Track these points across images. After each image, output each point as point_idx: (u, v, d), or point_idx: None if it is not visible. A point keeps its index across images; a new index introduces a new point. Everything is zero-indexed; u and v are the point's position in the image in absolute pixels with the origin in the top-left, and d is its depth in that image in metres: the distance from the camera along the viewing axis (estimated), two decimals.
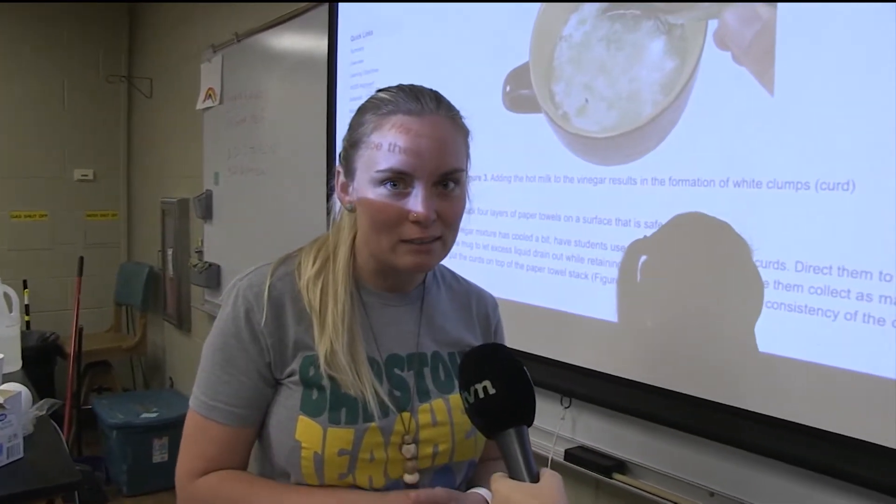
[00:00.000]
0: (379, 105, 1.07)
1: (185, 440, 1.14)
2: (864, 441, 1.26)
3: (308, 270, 1.12)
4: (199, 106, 4.04)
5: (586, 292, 1.74)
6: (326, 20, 2.74)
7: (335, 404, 1.07)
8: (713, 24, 1.47)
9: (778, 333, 1.38)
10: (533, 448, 1.84)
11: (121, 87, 5.35)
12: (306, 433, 1.06)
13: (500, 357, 1.01)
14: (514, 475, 0.93)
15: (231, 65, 3.77)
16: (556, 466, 1.80)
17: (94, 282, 5.06)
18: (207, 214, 4.05)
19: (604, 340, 1.72)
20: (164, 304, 4.81)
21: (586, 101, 1.72)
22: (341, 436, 1.06)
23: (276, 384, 1.11)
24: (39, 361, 4.53)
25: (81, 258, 4.59)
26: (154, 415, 4.02)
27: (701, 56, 1.49)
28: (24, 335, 4.36)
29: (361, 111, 1.10)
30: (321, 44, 2.81)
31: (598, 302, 1.71)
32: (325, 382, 1.07)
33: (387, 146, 1.04)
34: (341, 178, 1.14)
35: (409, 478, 1.10)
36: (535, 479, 0.93)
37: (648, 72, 1.59)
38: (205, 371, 1.12)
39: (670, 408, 1.57)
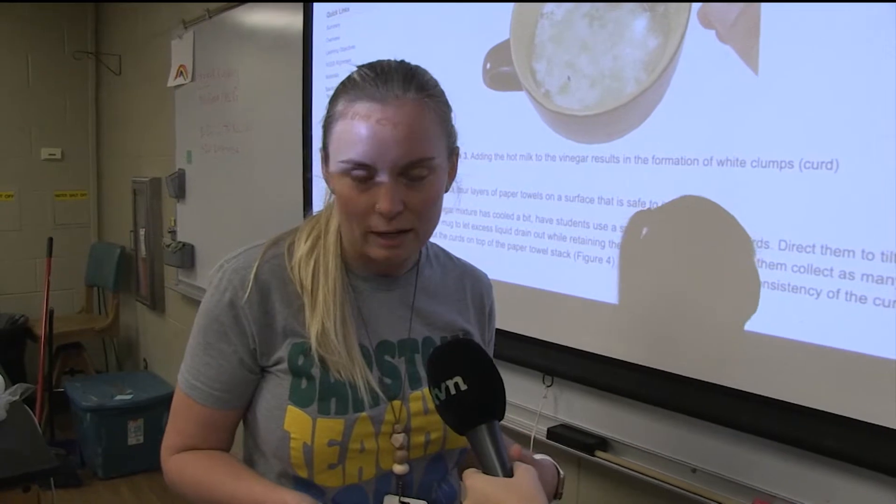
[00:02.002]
0: (348, 88, 1.02)
1: (171, 415, 1.14)
2: (845, 416, 1.28)
3: (301, 248, 1.10)
4: (171, 83, 3.97)
5: (568, 271, 1.74)
6: (301, 1, 2.69)
7: (324, 394, 1.05)
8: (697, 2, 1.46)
9: (761, 311, 1.39)
10: (516, 427, 1.86)
11: (88, 64, 5.25)
12: (295, 423, 1.04)
13: (470, 352, 0.99)
14: (487, 470, 0.92)
15: (203, 41, 3.70)
16: (538, 445, 1.81)
17: (63, 263, 4.99)
18: (180, 193, 3.99)
19: (586, 319, 1.72)
20: (136, 284, 4.76)
21: (568, 78, 1.71)
22: (331, 426, 1.04)
23: (262, 371, 1.09)
24: (9, 345, 4.48)
25: (51, 239, 4.53)
26: (128, 397, 3.98)
27: (685, 34, 1.48)
28: None
29: (337, 92, 1.05)
30: (296, 20, 2.76)
31: (581, 280, 1.71)
32: (315, 371, 1.06)
33: (350, 135, 0.99)
34: (321, 162, 1.10)
35: (398, 468, 1.08)
36: (508, 473, 0.91)
37: (631, 49, 1.58)
38: (190, 349, 1.11)
39: (653, 385, 1.58)
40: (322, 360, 1.06)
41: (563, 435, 1.79)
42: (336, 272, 1.08)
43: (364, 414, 1.06)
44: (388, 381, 1.10)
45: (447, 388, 0.94)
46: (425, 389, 1.11)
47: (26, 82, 5.06)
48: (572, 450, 1.76)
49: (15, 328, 4.60)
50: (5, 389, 2.21)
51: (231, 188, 3.47)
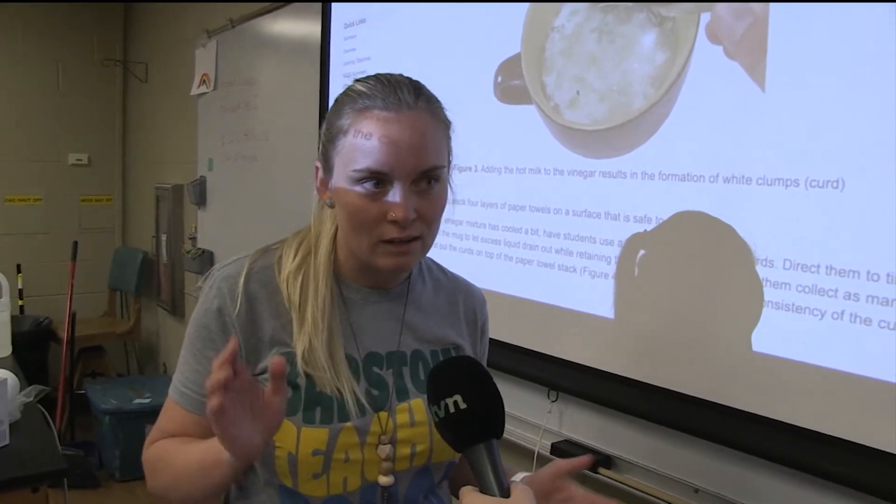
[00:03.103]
0: (356, 98, 1.03)
1: (158, 419, 1.15)
2: (849, 441, 1.25)
3: (288, 264, 1.10)
4: (194, 91, 4.01)
5: (575, 286, 1.73)
6: (320, 7, 2.72)
7: (309, 403, 1.05)
8: (706, 18, 1.45)
9: (764, 332, 1.37)
10: (519, 441, 1.85)
11: (116, 72, 5.32)
12: (280, 432, 1.03)
13: (471, 371, 0.98)
14: (484, 489, 0.91)
15: (225, 50, 3.75)
16: (542, 460, 1.80)
17: (88, 266, 5.06)
18: (201, 200, 4.03)
19: (592, 335, 1.71)
20: (157, 289, 4.81)
21: (577, 93, 1.70)
22: (315, 436, 1.04)
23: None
24: (33, 346, 4.53)
25: (75, 243, 4.59)
26: (147, 400, 4.01)
27: (693, 49, 1.47)
28: (18, 320, 4.39)
29: (338, 104, 1.05)
30: (315, 30, 2.79)
31: (587, 296, 1.70)
32: (301, 381, 1.05)
33: (364, 144, 0.99)
34: (320, 174, 1.10)
35: (382, 479, 1.08)
36: (505, 493, 0.90)
37: (640, 64, 1.57)
38: (181, 357, 1.12)
39: (657, 404, 1.56)
40: (307, 373, 1.06)
41: (566, 451, 1.77)
42: (326, 290, 1.08)
43: (349, 424, 1.05)
44: (375, 392, 1.10)
45: (447, 405, 0.93)
46: (412, 401, 1.11)
47: (56, 89, 5.15)
48: None
49: (39, 330, 4.66)
50: (21, 390, 2.24)
51: (250, 196, 3.50)
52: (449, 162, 1.09)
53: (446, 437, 0.96)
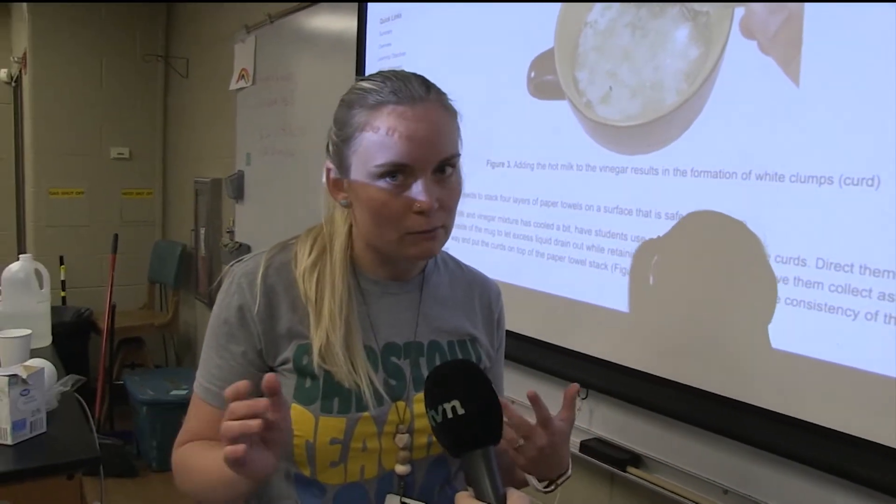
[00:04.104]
0: (365, 96, 1.03)
1: (185, 418, 1.16)
2: (880, 444, 1.23)
3: (304, 261, 1.11)
4: (233, 86, 4.05)
5: (606, 283, 1.72)
6: (357, 2, 2.73)
7: (328, 393, 1.06)
8: (739, 12, 1.43)
9: (797, 331, 1.35)
10: None
11: (158, 67, 5.39)
12: (298, 421, 1.06)
13: (470, 376, 0.98)
14: (480, 496, 0.90)
15: (264, 45, 3.78)
16: (572, 459, 1.79)
17: (128, 259, 5.13)
18: (239, 195, 4.08)
19: (623, 332, 1.70)
20: (195, 282, 4.87)
21: (610, 88, 1.69)
22: (333, 424, 1.06)
23: (270, 370, 1.10)
24: (74, 336, 4.62)
25: (116, 235, 4.66)
26: (184, 392, 4.06)
27: (726, 45, 1.45)
28: (60, 311, 4.48)
29: (347, 105, 1.06)
30: (351, 25, 2.80)
31: (618, 293, 1.69)
32: (319, 371, 1.07)
33: (383, 139, 1.00)
34: (332, 175, 1.11)
35: (399, 468, 1.09)
36: (501, 500, 0.90)
37: (673, 60, 1.55)
38: (204, 353, 1.13)
39: (686, 402, 1.55)
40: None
41: (596, 449, 1.76)
42: (343, 286, 1.09)
43: (367, 413, 1.07)
44: (393, 382, 1.11)
45: (444, 410, 0.94)
46: None
47: (99, 84, 5.23)
48: (605, 465, 1.74)
49: (80, 321, 4.74)
50: (58, 380, 2.28)
51: (286, 190, 3.53)
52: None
53: (443, 441, 0.96)
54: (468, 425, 0.93)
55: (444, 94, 1.07)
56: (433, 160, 1.02)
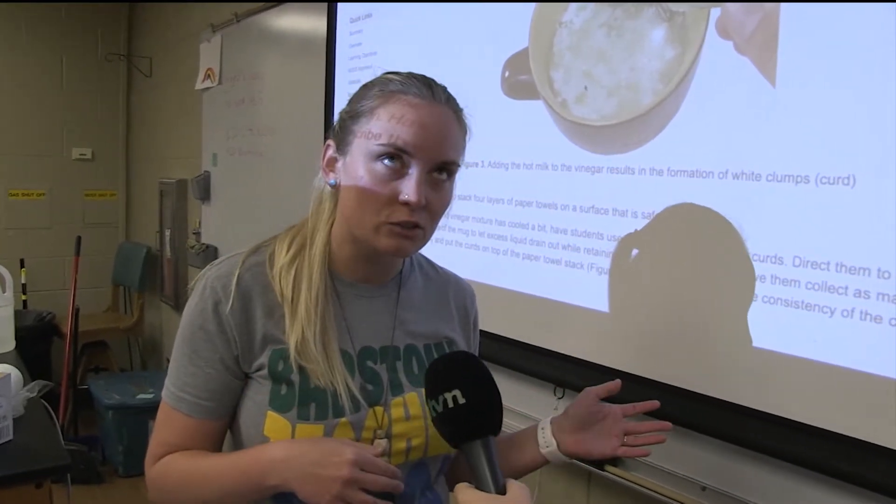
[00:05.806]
0: (387, 83, 1.06)
1: (155, 429, 1.14)
2: (858, 439, 1.25)
3: (281, 258, 1.10)
4: (199, 86, 4.00)
5: (582, 282, 1.72)
6: (326, 2, 2.71)
7: (304, 399, 1.05)
8: (716, 13, 1.44)
9: (774, 329, 1.36)
10: None
11: (120, 66, 5.31)
12: (275, 429, 1.04)
13: (470, 366, 0.98)
14: (480, 486, 0.91)
15: (230, 45, 3.73)
16: None
17: (92, 262, 5.05)
18: (205, 196, 4.03)
19: (599, 331, 1.70)
20: (161, 285, 4.80)
21: (585, 88, 1.69)
22: (311, 432, 1.04)
23: (246, 377, 1.09)
24: (36, 341, 4.53)
25: (79, 238, 4.58)
26: (150, 396, 4.00)
27: (702, 45, 1.46)
28: (21, 314, 4.38)
29: (368, 87, 1.08)
30: (320, 25, 2.78)
31: (594, 292, 1.69)
32: (294, 377, 1.05)
33: (392, 120, 1.02)
34: (330, 152, 1.11)
35: None
36: (501, 490, 0.90)
37: (649, 60, 1.56)
38: (174, 361, 1.11)
39: (664, 401, 1.54)
40: (301, 367, 1.06)
41: None
42: (320, 281, 1.08)
43: (344, 419, 1.06)
44: (370, 387, 1.10)
45: (445, 400, 0.94)
46: (407, 395, 1.11)
47: (60, 83, 5.13)
48: (582, 463, 1.74)
49: (42, 325, 4.65)
50: (24, 385, 2.23)
51: (254, 191, 3.49)
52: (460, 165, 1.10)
53: (444, 431, 0.96)
54: (468, 415, 0.92)
55: (461, 109, 1.09)
56: (433, 158, 1.03)
